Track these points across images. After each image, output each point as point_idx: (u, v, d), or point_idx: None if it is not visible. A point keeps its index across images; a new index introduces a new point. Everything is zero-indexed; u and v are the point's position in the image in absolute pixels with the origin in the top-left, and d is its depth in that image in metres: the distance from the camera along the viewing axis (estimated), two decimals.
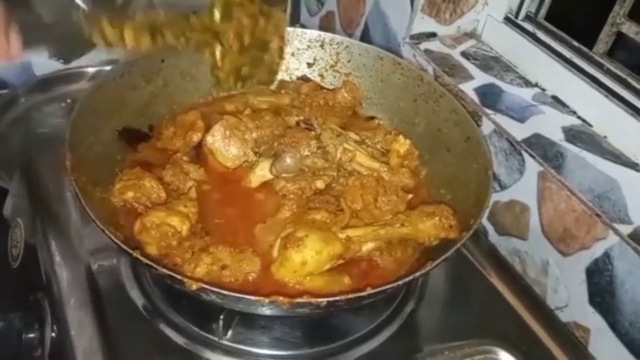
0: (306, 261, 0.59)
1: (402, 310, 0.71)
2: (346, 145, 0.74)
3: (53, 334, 0.68)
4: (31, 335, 0.69)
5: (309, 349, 0.67)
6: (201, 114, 0.78)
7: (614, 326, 0.71)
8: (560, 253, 0.77)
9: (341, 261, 0.62)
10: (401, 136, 0.77)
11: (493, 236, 0.87)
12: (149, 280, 0.71)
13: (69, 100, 1.13)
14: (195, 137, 0.75)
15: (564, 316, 0.77)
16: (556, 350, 0.71)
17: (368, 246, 0.65)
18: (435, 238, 0.66)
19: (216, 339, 0.66)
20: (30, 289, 0.74)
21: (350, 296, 0.50)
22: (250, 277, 0.61)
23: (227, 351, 0.66)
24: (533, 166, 0.78)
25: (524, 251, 0.82)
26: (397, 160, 0.76)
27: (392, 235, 0.65)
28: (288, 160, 0.72)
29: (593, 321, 0.73)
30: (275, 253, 0.61)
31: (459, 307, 0.75)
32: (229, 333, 0.65)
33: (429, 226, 0.65)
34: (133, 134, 0.76)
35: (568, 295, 0.77)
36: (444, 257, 0.54)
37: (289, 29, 0.86)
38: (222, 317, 0.63)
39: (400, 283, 0.51)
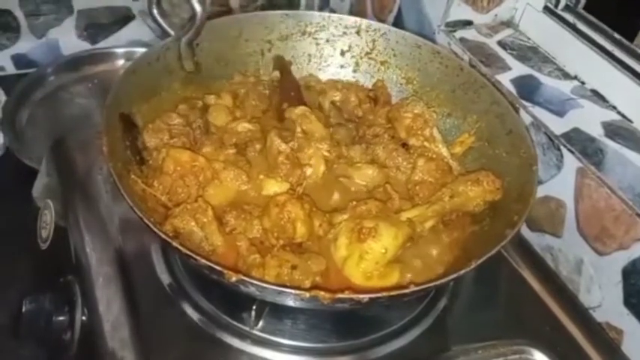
0: (387, 248, 0.58)
1: (434, 306, 0.69)
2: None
3: (84, 318, 0.68)
4: (61, 318, 0.69)
5: (338, 343, 0.66)
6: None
7: None
8: (596, 252, 0.75)
9: (409, 244, 0.61)
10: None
11: (525, 231, 0.85)
12: (179, 265, 0.71)
13: (96, 81, 1.13)
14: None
15: (597, 317, 0.75)
16: (591, 352, 0.69)
17: (428, 224, 0.65)
18: (484, 203, 0.67)
19: (246, 328, 0.65)
20: (60, 271, 0.74)
21: (392, 293, 0.49)
22: (318, 278, 0.58)
23: (256, 340, 0.65)
24: (571, 162, 0.76)
25: (558, 248, 0.81)
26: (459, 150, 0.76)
27: (445, 208, 0.66)
28: None
29: (627, 323, 0.72)
30: (343, 252, 0.59)
31: (492, 305, 0.73)
32: (260, 323, 0.65)
33: (479, 192, 0.67)
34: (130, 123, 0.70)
35: (602, 295, 0.75)
36: (488, 255, 0.52)
37: (324, 14, 0.85)
38: (254, 307, 0.63)
39: (444, 280, 0.50)
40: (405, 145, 0.74)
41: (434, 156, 0.72)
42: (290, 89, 0.81)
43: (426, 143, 0.72)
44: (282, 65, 0.84)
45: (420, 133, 0.73)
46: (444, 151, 0.73)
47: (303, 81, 0.86)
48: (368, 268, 0.58)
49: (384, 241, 0.57)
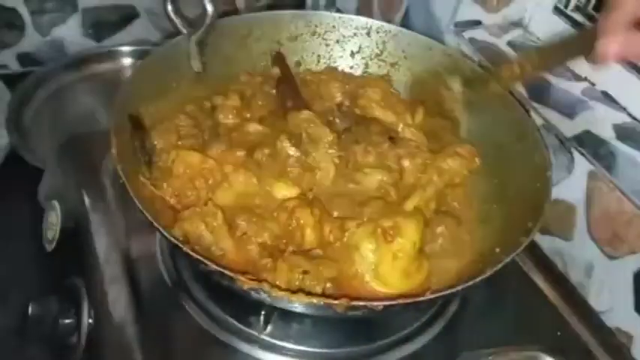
0: (414, 241, 0.58)
1: (445, 311, 0.69)
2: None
3: (90, 321, 0.67)
4: (67, 321, 0.69)
5: (348, 348, 0.65)
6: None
7: None
8: (607, 256, 0.74)
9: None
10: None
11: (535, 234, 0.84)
12: (186, 267, 0.70)
13: (101, 79, 1.12)
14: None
15: (607, 321, 0.75)
16: (603, 357, 0.69)
17: (431, 206, 0.67)
18: (468, 172, 0.71)
19: (255, 333, 0.64)
20: (65, 273, 0.74)
21: (408, 300, 0.49)
22: (329, 284, 0.57)
23: (265, 345, 0.64)
24: (582, 165, 0.75)
25: (568, 252, 0.80)
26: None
27: (439, 186, 0.69)
28: None
29: (637, 328, 0.71)
30: (372, 259, 0.58)
31: (502, 309, 0.73)
32: (269, 328, 0.64)
33: (460, 164, 0.70)
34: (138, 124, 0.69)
35: (612, 299, 0.74)
36: (505, 261, 0.52)
37: (335, 15, 0.84)
38: (263, 312, 0.62)
39: (460, 287, 0.49)
40: (391, 138, 0.74)
41: (415, 149, 0.72)
42: (289, 88, 0.80)
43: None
44: (280, 62, 0.83)
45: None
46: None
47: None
48: (404, 265, 0.57)
49: (410, 235, 0.57)
